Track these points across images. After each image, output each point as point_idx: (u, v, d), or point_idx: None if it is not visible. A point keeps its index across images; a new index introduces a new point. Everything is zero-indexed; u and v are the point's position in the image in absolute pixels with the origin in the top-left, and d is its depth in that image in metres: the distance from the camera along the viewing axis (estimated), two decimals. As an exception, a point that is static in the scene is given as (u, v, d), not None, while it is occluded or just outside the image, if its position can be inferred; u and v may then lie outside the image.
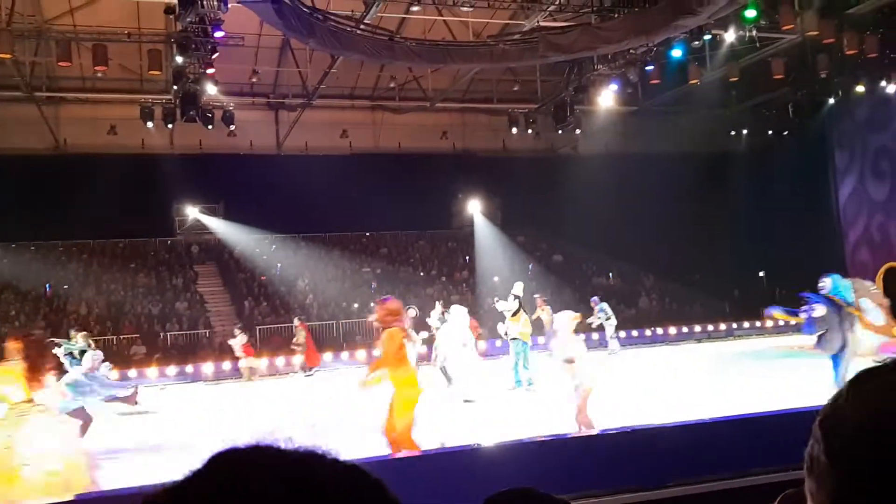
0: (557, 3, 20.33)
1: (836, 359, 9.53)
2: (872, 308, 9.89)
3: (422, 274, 29.99)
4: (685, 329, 26.74)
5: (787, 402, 7.68)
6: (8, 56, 19.71)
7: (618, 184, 28.09)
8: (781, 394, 10.46)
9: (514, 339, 15.09)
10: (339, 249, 30.65)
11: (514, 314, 15.18)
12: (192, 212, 29.73)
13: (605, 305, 21.20)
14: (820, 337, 9.66)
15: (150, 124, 24.83)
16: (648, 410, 9.95)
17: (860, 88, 25.98)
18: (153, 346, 23.93)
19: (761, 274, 30.37)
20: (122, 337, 24.05)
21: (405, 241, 32.50)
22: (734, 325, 27.15)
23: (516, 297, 15.39)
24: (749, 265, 29.64)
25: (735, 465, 5.19)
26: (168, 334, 24.70)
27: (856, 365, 9.17)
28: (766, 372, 15.27)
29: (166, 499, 0.69)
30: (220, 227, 30.11)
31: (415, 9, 20.92)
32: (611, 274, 31.05)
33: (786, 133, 29.18)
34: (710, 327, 26.98)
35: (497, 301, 16.61)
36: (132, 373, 20.65)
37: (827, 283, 9.85)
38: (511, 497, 1.23)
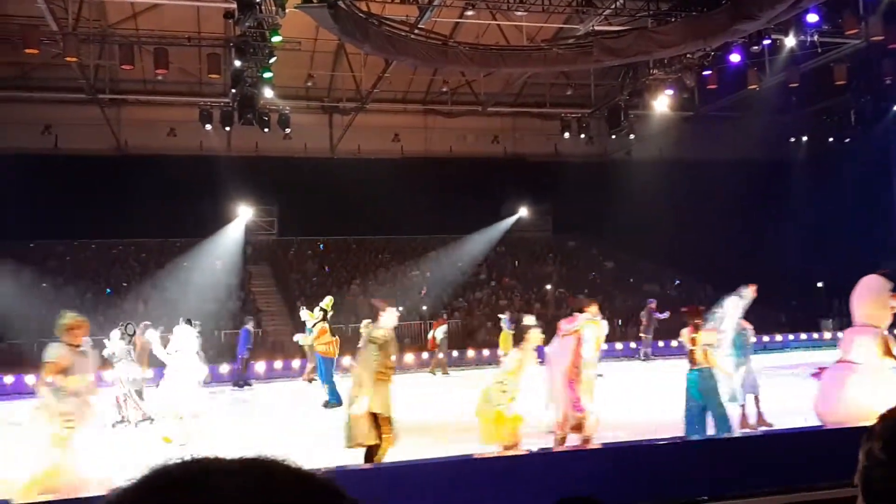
0: (613, 6, 20.14)
1: None
2: None
3: (470, 278, 29.98)
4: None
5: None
6: (74, 59, 20.31)
7: (672, 190, 27.68)
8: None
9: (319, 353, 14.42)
10: (388, 253, 30.85)
11: (315, 326, 14.41)
12: (247, 213, 30.24)
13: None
14: None
15: (208, 126, 25.31)
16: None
17: (927, 95, 25.20)
18: (206, 343, 24.31)
19: (820, 284, 29.58)
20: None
21: (454, 245, 32.51)
22: (790, 337, 26.49)
23: (322, 309, 14.68)
24: (808, 275, 28.91)
25: (778, 480, 5.06)
26: (222, 332, 25.10)
27: None
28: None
29: None
30: (273, 228, 30.55)
31: (469, 13, 20.94)
32: (677, 281, 30.38)
33: (847, 140, 28.40)
34: (766, 338, 26.36)
35: (302, 309, 16.04)
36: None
37: None
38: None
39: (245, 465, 0.66)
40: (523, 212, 33.10)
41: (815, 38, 21.66)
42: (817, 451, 5.39)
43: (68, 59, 20.04)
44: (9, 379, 18.03)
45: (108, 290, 26.09)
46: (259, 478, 0.65)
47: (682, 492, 5.10)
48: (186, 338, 11.04)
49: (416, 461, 6.24)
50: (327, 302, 15.02)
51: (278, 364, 22.15)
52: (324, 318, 14.50)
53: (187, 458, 0.67)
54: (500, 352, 20.42)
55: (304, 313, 15.48)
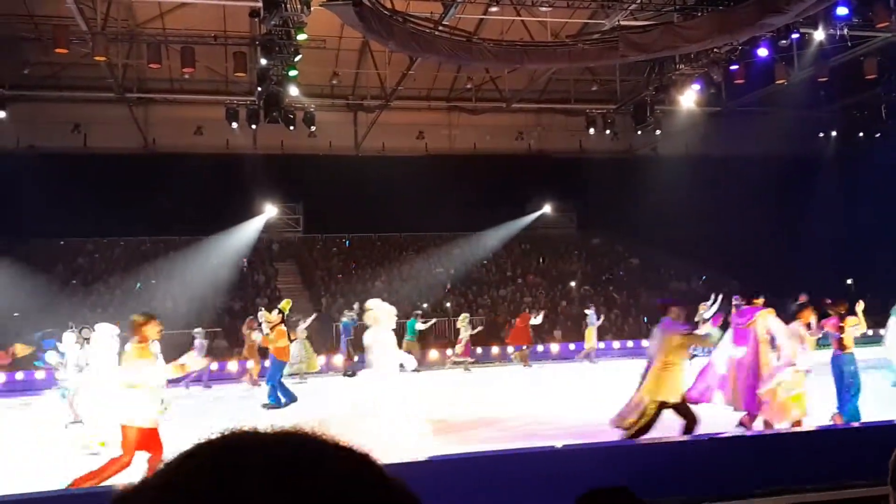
0: (639, 1, 19.99)
1: None
2: None
3: (494, 275, 29.97)
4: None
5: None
6: (103, 59, 20.55)
7: (698, 186, 27.44)
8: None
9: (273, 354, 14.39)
10: (412, 249, 30.93)
11: (273, 328, 14.32)
12: (273, 210, 30.46)
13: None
14: None
15: (234, 125, 25.48)
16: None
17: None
18: (235, 340, 24.55)
19: (849, 281, 29.19)
20: (207, 330, 24.72)
21: (478, 242, 32.50)
22: (820, 334, 26.18)
23: (280, 311, 14.71)
24: (837, 272, 28.54)
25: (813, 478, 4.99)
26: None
27: None
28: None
29: (135, 497, 0.61)
30: (299, 225, 30.72)
31: (493, 9, 20.91)
32: (703, 277, 30.07)
33: (878, 135, 27.97)
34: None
35: (260, 310, 16.32)
36: (213, 366, 21.23)
37: None
38: (603, 496, 1.22)
39: (287, 438, 0.63)
40: (547, 209, 33.02)
41: (845, 31, 21.29)
42: (851, 448, 5.32)
43: (97, 58, 20.25)
44: (40, 374, 18.28)
45: (139, 285, 26.36)
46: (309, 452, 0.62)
47: (708, 490, 5.06)
48: (104, 339, 10.39)
49: (439, 456, 6.25)
50: (284, 304, 15.28)
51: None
52: (282, 321, 14.55)
53: (226, 433, 0.64)
54: (585, 345, 22.05)
55: (262, 315, 15.61)
